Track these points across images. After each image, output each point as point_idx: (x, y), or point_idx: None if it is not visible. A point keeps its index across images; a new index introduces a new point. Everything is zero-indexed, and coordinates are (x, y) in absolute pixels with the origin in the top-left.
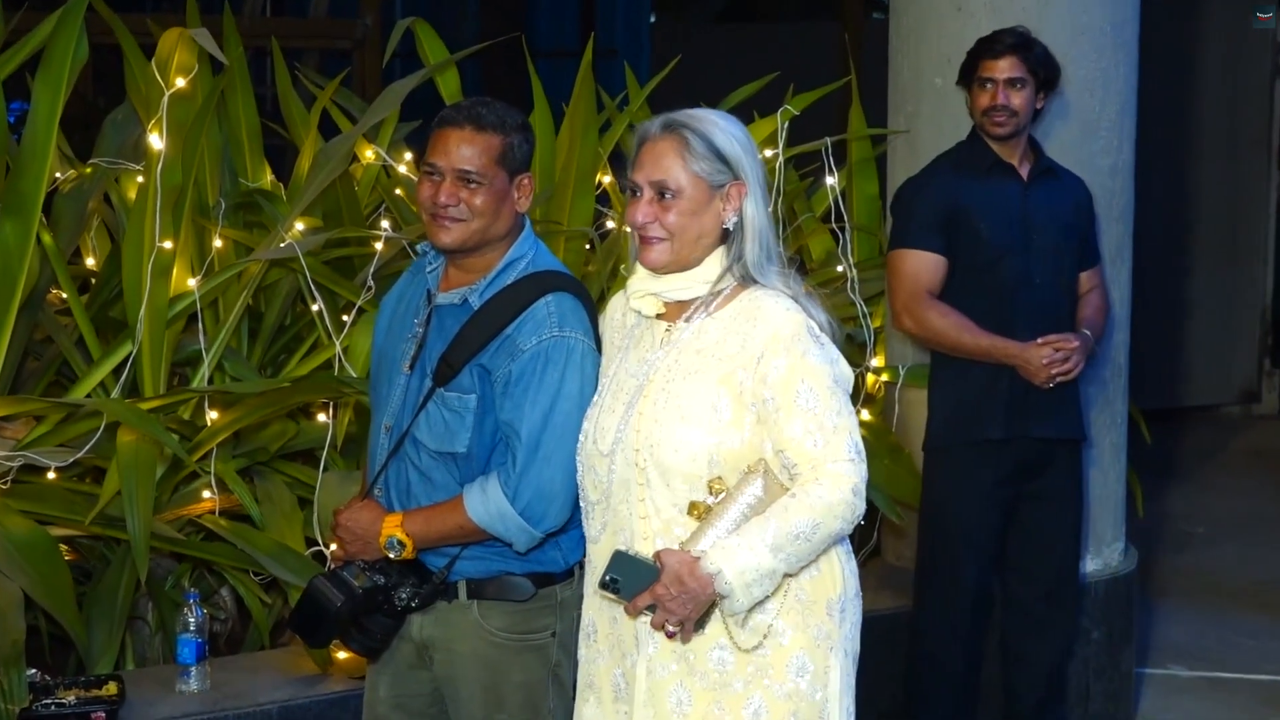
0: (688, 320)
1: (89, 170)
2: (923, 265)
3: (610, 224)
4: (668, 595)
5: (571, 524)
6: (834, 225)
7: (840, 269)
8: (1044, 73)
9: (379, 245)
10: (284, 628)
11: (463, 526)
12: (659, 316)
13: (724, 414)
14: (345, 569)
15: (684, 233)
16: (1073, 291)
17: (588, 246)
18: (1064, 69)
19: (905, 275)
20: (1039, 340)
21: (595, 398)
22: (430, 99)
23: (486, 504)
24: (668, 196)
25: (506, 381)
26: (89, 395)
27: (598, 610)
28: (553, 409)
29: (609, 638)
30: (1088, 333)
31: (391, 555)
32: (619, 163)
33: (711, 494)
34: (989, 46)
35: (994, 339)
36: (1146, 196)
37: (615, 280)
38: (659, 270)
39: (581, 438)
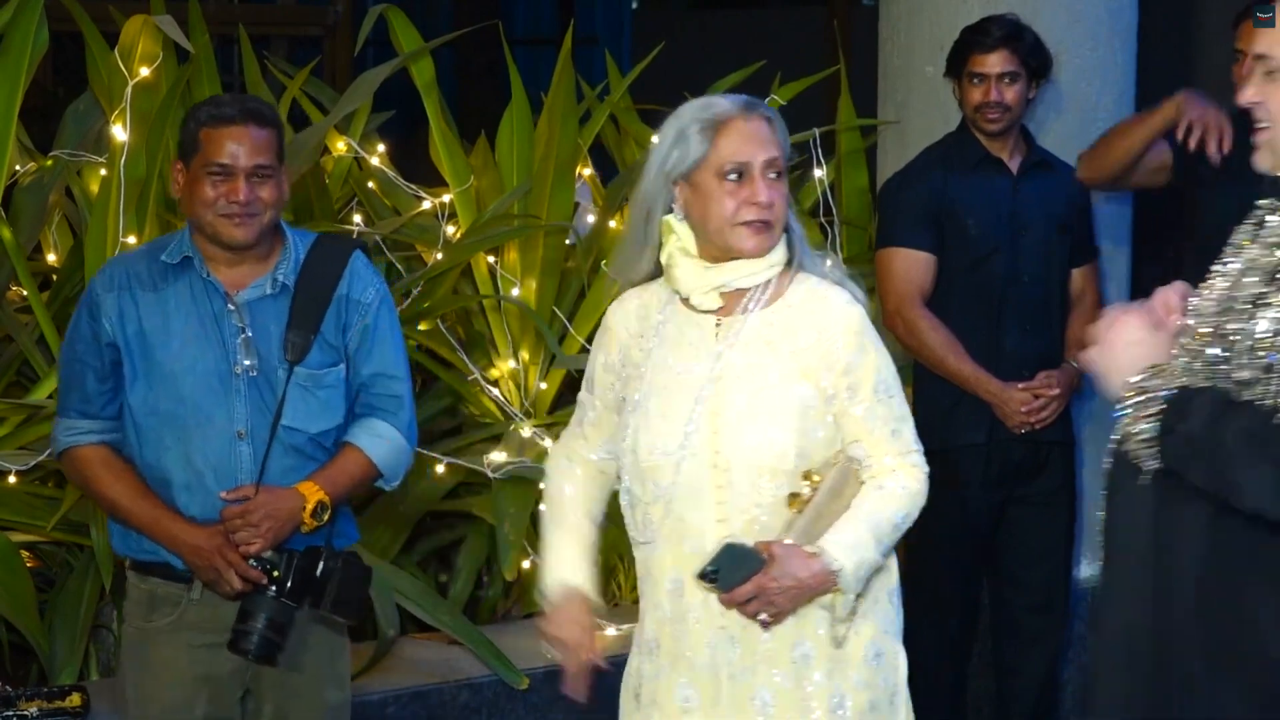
0: (745, 312)
1: (49, 163)
2: (914, 265)
3: (590, 218)
4: (776, 587)
5: None
6: (822, 219)
7: None
8: (1035, 63)
9: None
10: None
11: (366, 474)
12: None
13: (810, 407)
14: (276, 566)
15: (783, 215)
16: (1064, 289)
17: (568, 241)
18: (1060, 57)
19: (896, 276)
20: (1020, 386)
21: (624, 405)
22: (404, 89)
23: (388, 445)
24: (773, 177)
25: (364, 335)
26: (50, 396)
27: (659, 624)
28: (401, 348)
29: (671, 652)
30: (1075, 365)
31: (315, 523)
32: (599, 154)
33: (810, 486)
34: (978, 39)
35: (977, 371)
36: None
37: (597, 276)
38: (762, 256)
39: (625, 449)
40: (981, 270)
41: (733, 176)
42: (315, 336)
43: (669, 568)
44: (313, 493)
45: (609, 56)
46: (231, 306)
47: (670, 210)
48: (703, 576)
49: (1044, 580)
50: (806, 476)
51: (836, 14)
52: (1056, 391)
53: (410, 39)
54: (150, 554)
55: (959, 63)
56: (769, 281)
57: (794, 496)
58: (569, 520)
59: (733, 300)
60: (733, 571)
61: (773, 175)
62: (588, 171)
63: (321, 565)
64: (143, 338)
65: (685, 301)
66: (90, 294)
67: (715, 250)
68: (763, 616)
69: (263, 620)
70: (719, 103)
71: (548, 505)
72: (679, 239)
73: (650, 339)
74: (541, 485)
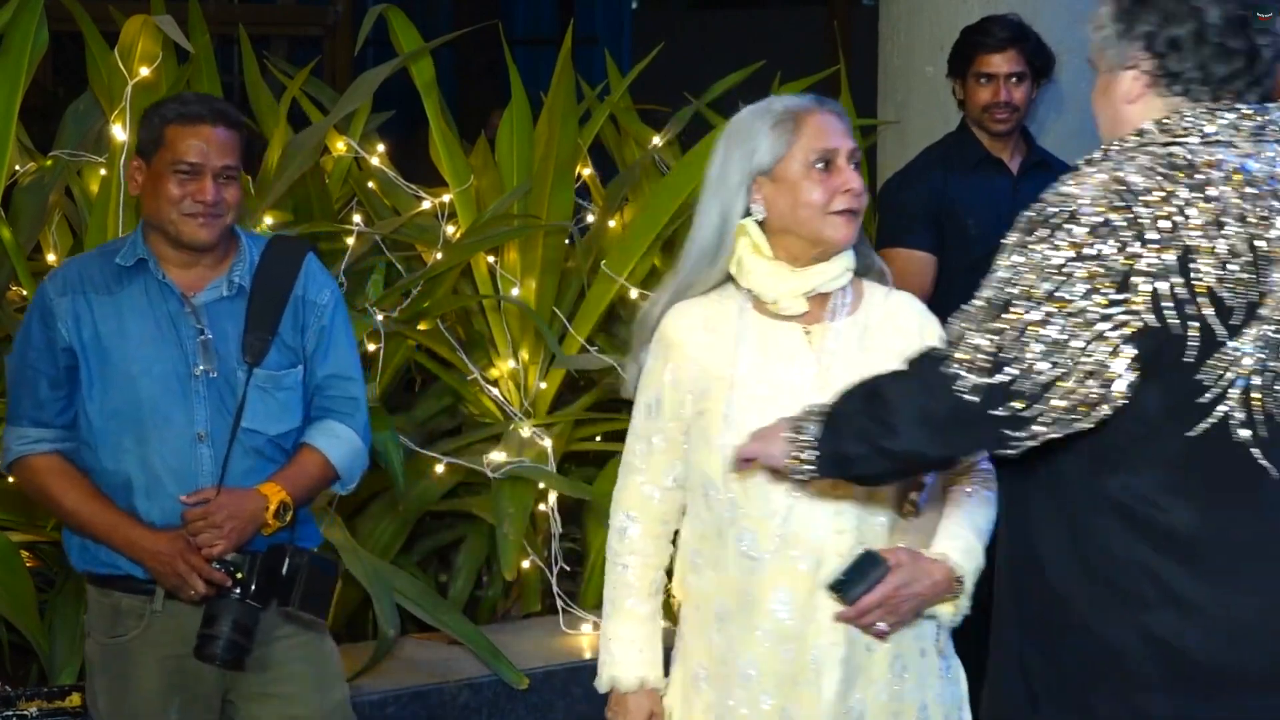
0: (833, 319)
1: (49, 162)
2: (915, 265)
3: (591, 217)
4: (905, 595)
5: None
6: None
7: None
8: (1039, 63)
9: (351, 240)
10: None
11: (325, 475)
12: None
13: None
14: (240, 568)
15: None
16: None
17: (567, 241)
18: (1061, 58)
19: (897, 276)
20: None
21: (701, 420)
22: (404, 89)
23: (345, 446)
24: (854, 168)
25: (320, 336)
26: None
27: (767, 653)
28: (354, 349)
29: (776, 674)
30: None
31: (278, 523)
32: (599, 154)
33: (917, 491)
34: (984, 39)
35: None
36: None
37: (596, 276)
38: (848, 247)
39: (711, 468)
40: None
41: (820, 165)
42: (273, 338)
43: (780, 585)
44: (275, 493)
45: (609, 56)
46: (188, 309)
47: (748, 213)
48: (833, 587)
49: None
50: (916, 483)
51: (836, 14)
52: None
53: (410, 39)
54: (109, 567)
55: (963, 63)
56: (847, 287)
57: (908, 504)
58: (635, 597)
59: (816, 306)
60: (855, 583)
61: (854, 166)
62: (587, 171)
63: (288, 562)
64: (99, 341)
65: (760, 307)
66: (42, 299)
67: (796, 249)
68: (882, 626)
69: (228, 624)
70: (787, 99)
71: (613, 578)
72: (751, 242)
73: (731, 348)
74: (541, 485)
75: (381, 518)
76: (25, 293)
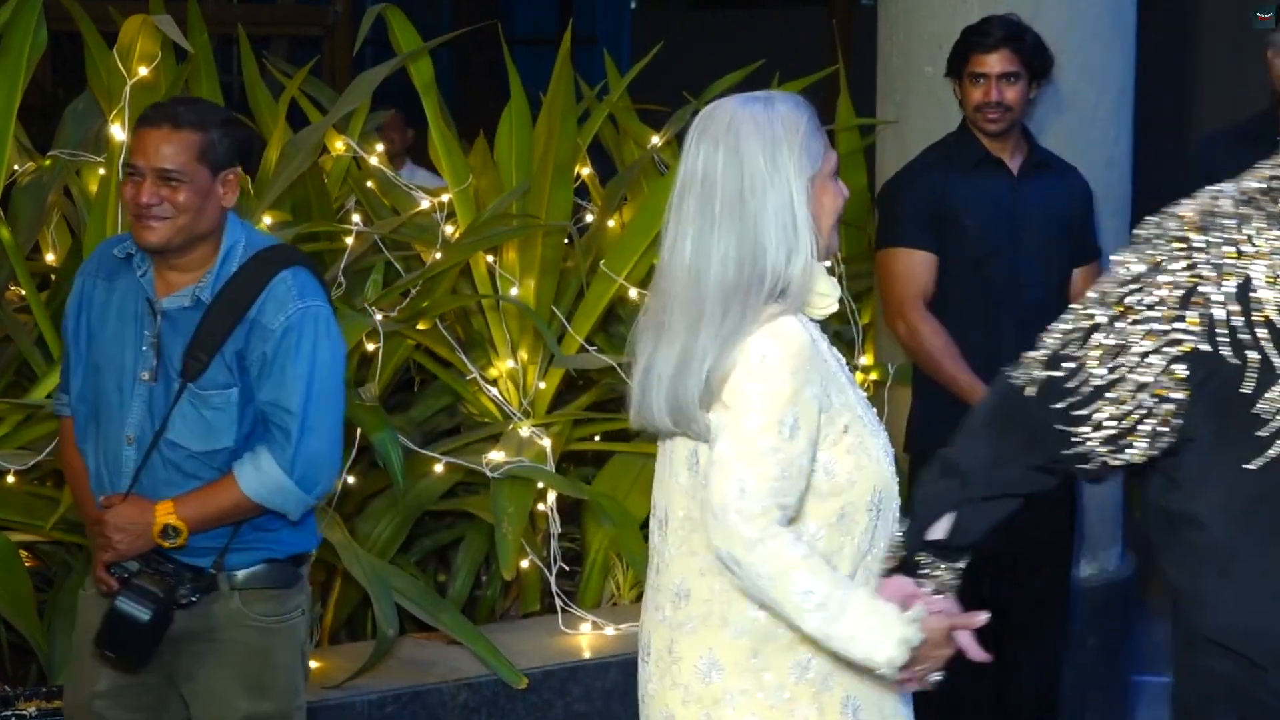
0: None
1: (48, 162)
2: (916, 266)
3: (590, 217)
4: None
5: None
6: None
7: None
8: (1037, 63)
9: (350, 240)
10: None
11: (237, 504)
12: None
13: None
14: (136, 578)
15: None
16: (1064, 291)
17: (566, 241)
18: (1060, 58)
19: (899, 276)
20: None
21: (832, 432)
22: (403, 88)
23: (262, 479)
24: None
25: (263, 363)
26: (49, 396)
27: (870, 685)
28: (313, 380)
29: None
30: None
31: (166, 543)
32: (598, 154)
33: None
34: (979, 39)
35: (972, 380)
36: (1149, 190)
37: (595, 276)
38: None
39: (859, 476)
40: (981, 271)
41: (834, 174)
42: (214, 357)
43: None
44: (164, 513)
45: (608, 56)
46: (152, 312)
47: None
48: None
49: (1045, 579)
50: None
51: (836, 14)
52: None
53: (409, 39)
54: None
55: (960, 62)
56: None
57: None
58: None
59: None
60: None
61: None
62: (586, 171)
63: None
64: (87, 326)
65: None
66: (78, 272)
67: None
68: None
69: (108, 624)
70: (792, 97)
71: (818, 572)
72: None
73: (826, 358)
74: (540, 484)
75: (380, 517)
76: (24, 292)
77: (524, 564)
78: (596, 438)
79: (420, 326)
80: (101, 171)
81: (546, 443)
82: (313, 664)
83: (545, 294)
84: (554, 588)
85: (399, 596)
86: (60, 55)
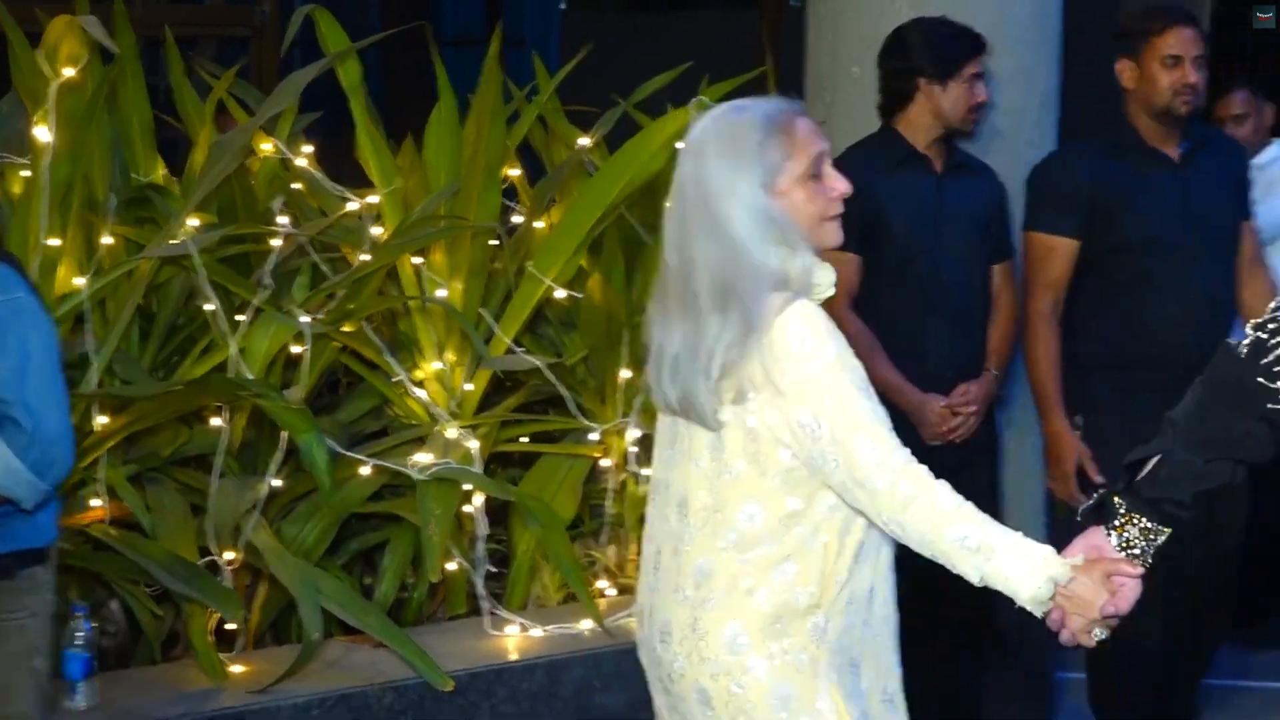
0: None
1: None
2: (840, 265)
3: (517, 219)
4: None
5: (49, 499)
6: None
7: None
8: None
9: (277, 242)
10: (176, 641)
11: None
12: None
13: None
14: None
15: None
16: (986, 290)
17: (494, 242)
18: (990, 59)
19: None
20: (942, 403)
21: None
22: (331, 90)
23: None
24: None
25: None
26: None
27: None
28: (27, 369)
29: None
30: (995, 372)
31: None
32: (527, 155)
33: None
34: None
35: (900, 380)
36: None
37: (523, 277)
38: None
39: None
40: (908, 271)
41: (814, 174)
42: None
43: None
44: None
45: (537, 58)
46: None
47: None
48: None
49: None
50: None
51: (766, 16)
52: (974, 409)
53: (337, 40)
54: None
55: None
56: None
57: None
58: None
59: None
60: None
61: (831, 165)
62: (515, 172)
63: None
64: None
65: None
66: None
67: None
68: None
69: None
70: (766, 104)
71: (961, 516)
72: None
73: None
74: (465, 487)
75: (306, 520)
76: None
77: (451, 566)
78: (524, 439)
79: (347, 328)
80: (26, 173)
81: (474, 444)
82: (238, 668)
83: (473, 295)
84: (480, 590)
85: (325, 600)
86: None
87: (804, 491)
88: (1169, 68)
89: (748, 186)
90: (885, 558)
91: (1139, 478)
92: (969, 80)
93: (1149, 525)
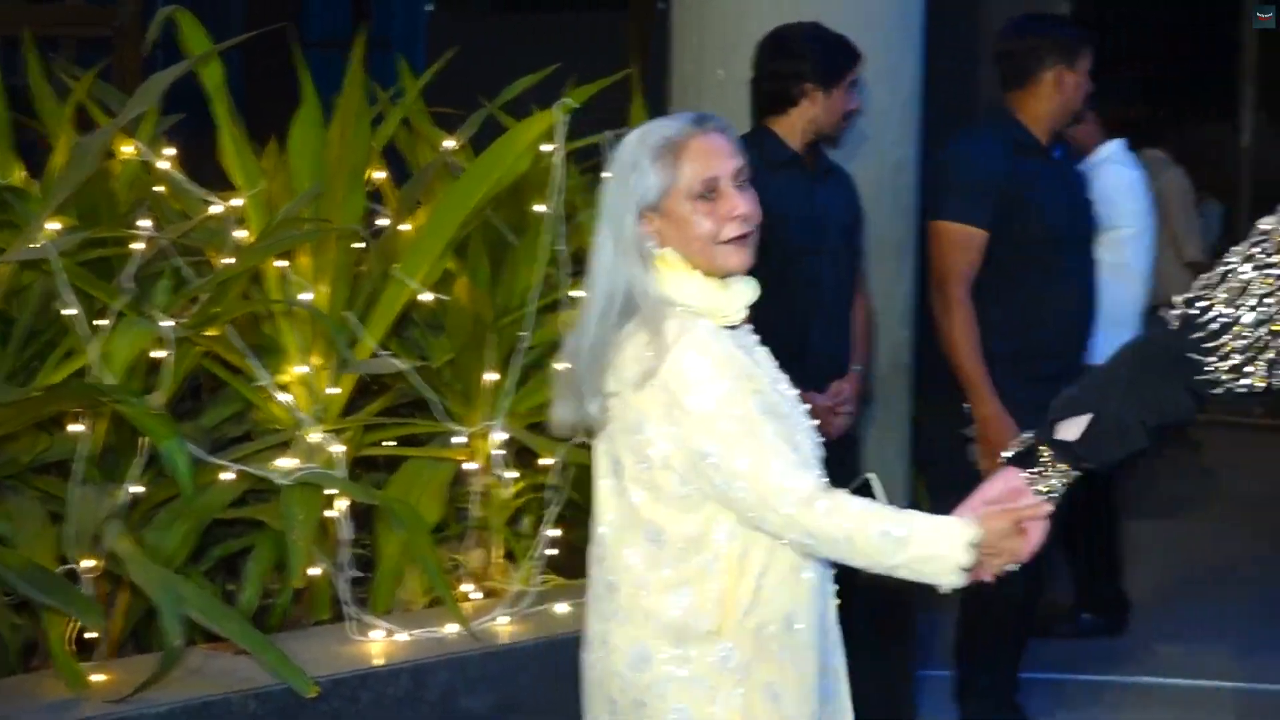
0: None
1: None
2: None
3: (383, 221)
4: None
5: None
6: None
7: None
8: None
9: (139, 245)
10: (35, 650)
11: None
12: None
13: None
14: None
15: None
16: (853, 288)
17: (359, 245)
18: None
19: None
20: (818, 400)
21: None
22: (193, 92)
23: None
24: (740, 186)
25: None
26: None
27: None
28: None
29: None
30: (859, 368)
31: None
32: (393, 158)
33: None
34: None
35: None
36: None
37: (389, 281)
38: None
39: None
40: (787, 276)
41: (705, 196)
42: None
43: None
44: None
45: (403, 60)
46: None
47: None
48: None
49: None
50: None
51: (635, 18)
52: (850, 409)
53: (199, 42)
54: None
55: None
56: None
57: None
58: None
59: None
60: None
61: (740, 184)
62: (380, 175)
63: None
64: None
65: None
66: None
67: (705, 272)
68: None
69: None
70: (666, 125)
71: (875, 514)
72: (673, 267)
73: (751, 363)
74: (329, 491)
75: (168, 526)
76: None
77: (315, 571)
78: (389, 443)
79: (210, 333)
80: None
81: (338, 449)
82: (99, 677)
83: (338, 299)
84: (344, 595)
85: (186, 607)
86: None
87: (698, 517)
88: (1089, 78)
89: (622, 208)
90: (807, 584)
91: (1074, 437)
92: (847, 87)
93: (1067, 472)
